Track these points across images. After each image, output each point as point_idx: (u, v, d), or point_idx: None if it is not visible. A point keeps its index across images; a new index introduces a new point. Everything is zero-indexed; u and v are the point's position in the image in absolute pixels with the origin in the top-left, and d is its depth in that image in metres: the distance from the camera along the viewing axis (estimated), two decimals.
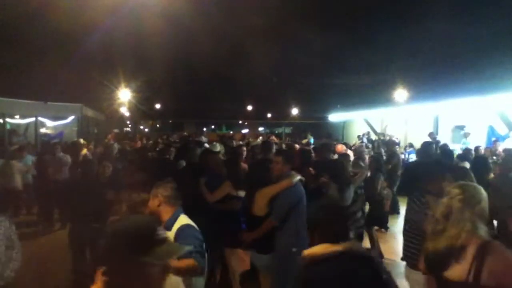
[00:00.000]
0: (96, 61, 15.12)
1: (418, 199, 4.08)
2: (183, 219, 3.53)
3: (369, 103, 20.34)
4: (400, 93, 17.19)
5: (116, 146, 11.76)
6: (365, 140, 19.28)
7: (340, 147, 9.28)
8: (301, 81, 20.50)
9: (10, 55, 12.65)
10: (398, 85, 16.94)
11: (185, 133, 25.72)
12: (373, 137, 20.73)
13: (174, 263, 3.10)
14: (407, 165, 7.45)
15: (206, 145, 11.11)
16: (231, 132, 36.66)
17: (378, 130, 21.87)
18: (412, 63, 14.85)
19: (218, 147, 8.44)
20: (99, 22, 11.50)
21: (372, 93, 18.67)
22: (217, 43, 15.18)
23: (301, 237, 4.34)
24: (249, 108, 33.11)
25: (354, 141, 20.29)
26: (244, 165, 6.96)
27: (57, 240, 8.07)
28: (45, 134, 19.24)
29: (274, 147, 7.44)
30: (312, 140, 19.55)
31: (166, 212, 3.55)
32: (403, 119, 20.11)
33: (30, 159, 10.94)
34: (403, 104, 17.41)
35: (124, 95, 19.45)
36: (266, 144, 8.35)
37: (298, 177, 4.72)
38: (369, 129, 21.95)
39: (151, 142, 18.39)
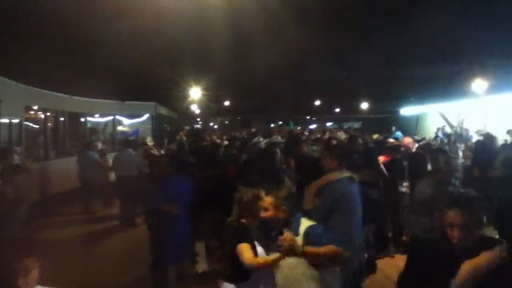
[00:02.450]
0: (168, 61, 15.67)
1: None
2: (306, 221, 3.31)
3: (445, 95, 19.38)
4: (479, 84, 16.21)
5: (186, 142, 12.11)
6: (440, 134, 18.37)
7: (407, 140, 8.90)
8: (371, 74, 19.98)
9: (91, 60, 13.45)
10: (476, 76, 16.00)
11: (253, 130, 25.96)
12: (449, 130, 19.71)
13: (314, 249, 3.07)
14: None
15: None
16: (299, 128, 36.48)
17: (454, 124, 20.75)
18: (492, 52, 14.00)
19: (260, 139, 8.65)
20: (171, 23, 11.90)
21: (448, 85, 17.77)
22: (284, 39, 15.19)
23: (352, 240, 4.19)
24: (317, 103, 32.79)
25: (428, 135, 19.45)
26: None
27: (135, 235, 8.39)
28: (122, 132, 20.23)
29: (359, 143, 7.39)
30: (398, 134, 17.90)
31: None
32: (482, 112, 18.93)
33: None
34: (482, 95, 16.41)
35: (195, 93, 19.99)
36: (351, 139, 8.14)
37: (343, 175, 4.35)
38: (444, 123, 20.89)
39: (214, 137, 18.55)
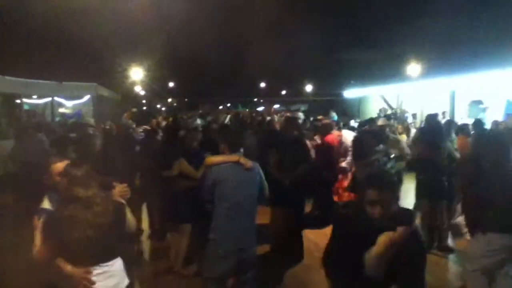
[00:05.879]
0: (108, 41, 15.19)
1: None
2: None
3: (384, 79, 20.06)
4: (414, 68, 16.95)
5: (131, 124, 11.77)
6: (382, 116, 19.04)
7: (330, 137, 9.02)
8: (315, 57, 20.26)
9: (23, 37, 12.78)
10: (412, 60, 16.71)
11: (200, 111, 25.81)
12: (389, 113, 20.46)
13: None
14: None
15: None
16: (247, 110, 36.60)
17: (394, 106, 21.56)
18: (427, 37, 14.57)
19: (199, 121, 8.65)
20: (110, 1, 11.53)
21: (387, 68, 18.43)
22: (230, 20, 15.10)
23: (218, 226, 4.10)
24: (264, 85, 32.99)
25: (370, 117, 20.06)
26: None
27: None
28: (62, 114, 19.47)
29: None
30: (335, 118, 18.51)
31: None
32: (418, 95, 19.77)
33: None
34: (418, 79, 17.17)
35: (137, 74, 19.49)
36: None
37: (230, 159, 4.21)
38: (385, 105, 21.64)
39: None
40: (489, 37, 13.30)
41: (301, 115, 18.53)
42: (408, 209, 2.90)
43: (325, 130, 8.53)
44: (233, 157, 4.24)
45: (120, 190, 3.36)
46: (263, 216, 6.79)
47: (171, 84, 30.37)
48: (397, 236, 2.55)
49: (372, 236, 2.60)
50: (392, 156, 6.46)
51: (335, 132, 9.15)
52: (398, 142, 8.15)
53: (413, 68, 16.90)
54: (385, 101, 22.15)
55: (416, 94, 19.82)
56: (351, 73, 22.73)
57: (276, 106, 43.42)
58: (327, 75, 25.54)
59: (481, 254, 4.34)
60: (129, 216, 3.33)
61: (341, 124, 12.34)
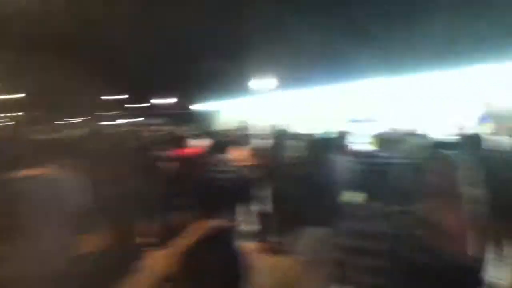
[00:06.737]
0: None
1: None
2: None
3: (237, 92, 20.86)
4: (263, 82, 17.84)
5: None
6: (234, 127, 19.73)
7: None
8: (166, 67, 20.06)
9: None
10: (260, 73, 17.51)
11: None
12: (241, 126, 21.22)
13: None
14: None
15: None
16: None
17: (246, 119, 22.43)
18: (280, 51, 15.01)
19: None
20: None
21: (238, 82, 18.95)
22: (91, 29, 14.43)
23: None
24: (115, 98, 32.09)
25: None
26: None
27: None
28: None
29: None
30: (192, 131, 18.74)
31: None
32: (269, 108, 20.43)
33: None
34: (267, 92, 18.10)
35: None
36: None
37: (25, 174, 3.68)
38: (237, 118, 22.46)
39: None
40: (344, 51, 13.60)
41: (167, 128, 18.57)
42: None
43: (175, 143, 8.87)
44: (38, 170, 3.74)
45: None
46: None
47: (19, 95, 27.60)
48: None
49: None
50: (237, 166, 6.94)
51: (188, 145, 9.57)
52: (261, 151, 8.75)
53: (262, 81, 17.81)
54: (235, 115, 22.94)
55: (268, 107, 20.87)
56: (204, 86, 22.97)
57: (138, 119, 42.46)
58: (182, 87, 25.55)
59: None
60: None
61: (196, 136, 12.74)
